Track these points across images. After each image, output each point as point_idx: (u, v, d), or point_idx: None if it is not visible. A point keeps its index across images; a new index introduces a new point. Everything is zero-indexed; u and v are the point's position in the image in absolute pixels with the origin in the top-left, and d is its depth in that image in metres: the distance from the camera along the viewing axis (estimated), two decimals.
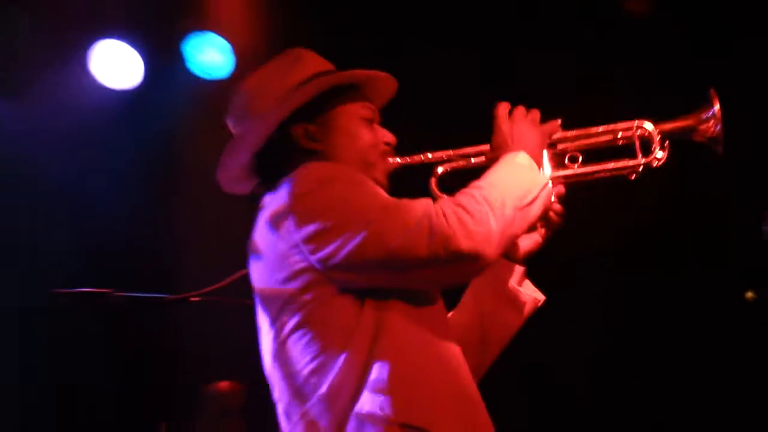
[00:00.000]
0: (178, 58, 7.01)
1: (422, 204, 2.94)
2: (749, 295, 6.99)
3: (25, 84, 6.81)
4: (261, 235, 3.14)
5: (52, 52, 6.78)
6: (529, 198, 3.03)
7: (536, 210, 3.06)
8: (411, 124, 3.61)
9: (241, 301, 4.20)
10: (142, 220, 7.09)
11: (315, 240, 2.90)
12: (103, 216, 6.87)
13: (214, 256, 5.13)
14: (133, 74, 6.88)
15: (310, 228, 2.91)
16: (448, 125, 3.80)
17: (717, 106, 3.23)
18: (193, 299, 4.75)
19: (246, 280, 3.37)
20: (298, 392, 3.00)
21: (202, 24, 7.01)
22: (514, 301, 3.43)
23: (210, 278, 4.50)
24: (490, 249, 2.88)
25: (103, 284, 4.77)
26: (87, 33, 6.76)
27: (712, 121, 3.25)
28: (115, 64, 6.84)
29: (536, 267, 3.51)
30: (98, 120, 6.92)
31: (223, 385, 6.35)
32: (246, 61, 6.96)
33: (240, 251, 3.26)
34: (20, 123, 6.85)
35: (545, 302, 3.53)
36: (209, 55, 7.01)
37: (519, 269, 3.40)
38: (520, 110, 3.29)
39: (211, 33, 6.99)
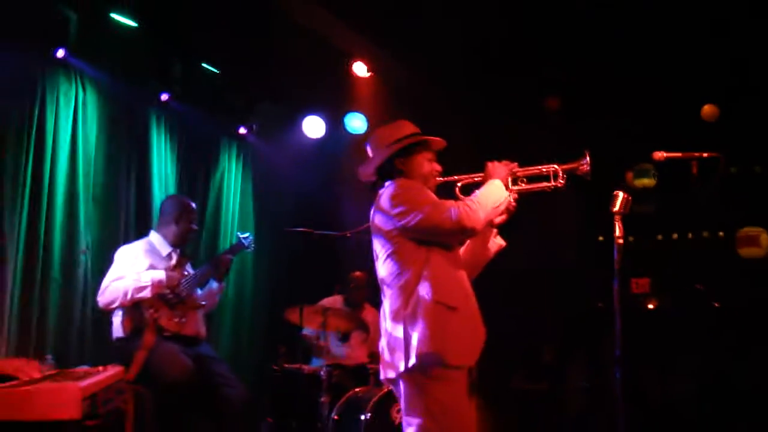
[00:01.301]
0: (341, 123, 7.67)
1: (450, 203, 3.43)
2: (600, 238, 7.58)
3: (276, 135, 7.62)
4: (379, 206, 3.52)
5: (286, 121, 7.62)
6: (500, 202, 3.51)
7: (502, 208, 3.54)
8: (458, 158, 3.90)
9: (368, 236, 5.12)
10: (326, 197, 7.61)
11: (399, 216, 3.40)
12: (309, 195, 7.56)
13: (357, 215, 5.03)
14: (321, 131, 7.57)
15: (398, 210, 3.40)
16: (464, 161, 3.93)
17: (588, 158, 3.57)
18: (348, 234, 5.42)
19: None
20: (391, 283, 3.46)
21: (352, 107, 7.67)
22: (490, 245, 3.77)
23: (355, 225, 5.18)
24: (479, 227, 3.41)
25: (309, 226, 5.77)
26: (301, 112, 7.53)
27: (585, 165, 3.58)
28: (313, 126, 7.54)
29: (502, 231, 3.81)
30: (306, 151, 7.73)
31: (358, 273, 6.84)
32: (372, 125, 7.45)
33: (367, 215, 3.63)
34: (275, 154, 7.66)
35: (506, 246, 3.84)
36: (356, 123, 7.67)
37: (494, 231, 3.75)
38: (502, 162, 3.67)
39: (357, 112, 7.66)
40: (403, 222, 3.41)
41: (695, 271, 7.09)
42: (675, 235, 7.50)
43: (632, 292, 7.12)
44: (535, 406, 7.57)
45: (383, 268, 3.52)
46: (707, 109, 7.07)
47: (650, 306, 7.11)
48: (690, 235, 7.43)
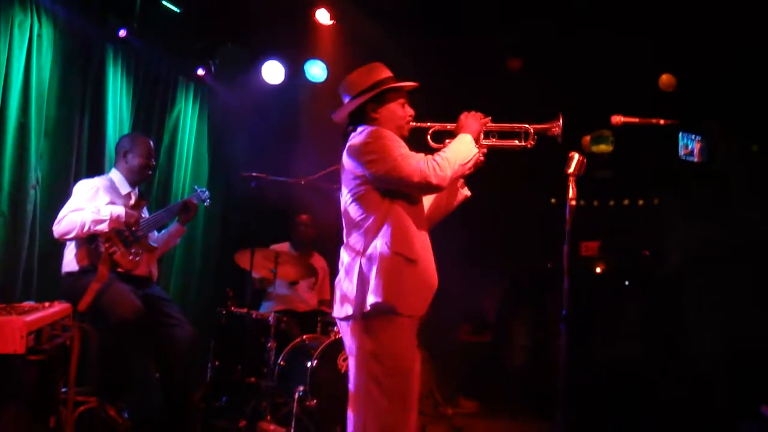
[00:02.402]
0: (301, 70, 7.66)
1: (419, 156, 3.46)
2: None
3: (235, 81, 7.51)
4: (348, 152, 3.54)
5: (246, 65, 7.50)
6: (468, 159, 3.51)
7: (470, 164, 3.53)
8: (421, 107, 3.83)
9: (329, 185, 5.16)
10: (282, 143, 7.35)
11: (368, 164, 3.43)
12: (264, 140, 7.36)
13: (312, 163, 5.41)
14: (280, 77, 7.52)
15: (367, 157, 3.43)
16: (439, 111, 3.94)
17: (561, 121, 3.59)
18: (302, 182, 5.61)
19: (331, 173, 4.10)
20: (354, 226, 3.51)
21: (313, 55, 7.64)
22: (457, 194, 3.83)
23: (309, 172, 5.39)
24: (445, 184, 3.45)
25: (263, 172, 5.81)
26: (261, 57, 7.47)
27: (557, 128, 3.59)
28: (273, 72, 7.50)
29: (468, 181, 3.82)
30: (265, 97, 7.63)
31: (304, 216, 6.95)
32: (333, 75, 7.55)
33: (331, 161, 3.83)
34: (232, 97, 7.63)
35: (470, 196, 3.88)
36: (315, 70, 7.66)
37: (461, 181, 3.79)
38: (474, 112, 3.70)
39: (318, 60, 7.64)
40: (371, 171, 3.45)
41: (644, 237, 7.19)
42: (626, 201, 7.56)
43: (581, 254, 7.22)
44: (480, 359, 7.70)
45: (347, 212, 3.57)
46: (665, 79, 7.07)
47: (598, 270, 7.18)
48: (641, 202, 7.50)
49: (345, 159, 3.58)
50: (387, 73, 3.74)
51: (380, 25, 7.15)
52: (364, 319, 3.40)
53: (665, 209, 7.36)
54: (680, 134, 7.06)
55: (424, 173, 3.39)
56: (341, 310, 3.49)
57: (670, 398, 6.34)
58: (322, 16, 7.33)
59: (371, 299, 3.34)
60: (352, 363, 3.46)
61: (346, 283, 3.48)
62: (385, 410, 3.34)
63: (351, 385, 3.46)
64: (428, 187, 3.48)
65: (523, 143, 3.70)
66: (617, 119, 3.65)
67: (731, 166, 6.72)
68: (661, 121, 3.67)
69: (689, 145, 7.05)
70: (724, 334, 6.18)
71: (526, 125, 3.70)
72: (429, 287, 3.51)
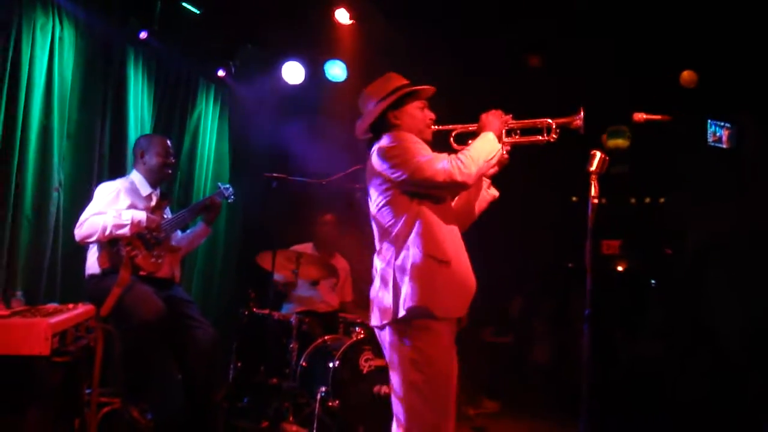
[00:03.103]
0: (321, 70, 7.69)
1: (443, 156, 3.46)
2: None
3: (254, 79, 7.53)
4: (373, 159, 3.56)
5: (266, 65, 7.57)
6: (492, 156, 3.53)
7: (494, 161, 3.56)
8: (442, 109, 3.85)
9: (350, 185, 5.28)
10: (303, 143, 7.18)
11: (392, 168, 3.45)
12: (285, 141, 7.22)
13: (333, 163, 5.40)
14: (300, 76, 7.57)
15: (392, 162, 3.45)
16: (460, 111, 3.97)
17: (582, 113, 3.57)
18: (323, 182, 5.58)
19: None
20: (384, 233, 3.52)
21: (333, 55, 7.65)
22: (484, 195, 3.82)
23: (330, 172, 5.38)
24: (471, 181, 3.46)
25: (284, 172, 5.76)
26: (281, 58, 7.52)
27: (579, 120, 3.57)
28: (293, 72, 7.55)
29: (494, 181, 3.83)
30: (285, 97, 7.72)
31: (328, 215, 6.90)
32: (353, 74, 7.62)
33: (352, 161, 3.97)
34: (252, 98, 7.61)
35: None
36: (335, 70, 7.69)
37: (487, 182, 3.82)
38: (494, 110, 3.71)
39: (338, 60, 7.66)
40: (396, 174, 3.46)
41: (666, 235, 7.11)
42: (648, 199, 7.53)
43: (603, 253, 7.18)
44: (502, 359, 7.67)
45: (377, 219, 3.58)
46: (686, 75, 7.03)
47: (619, 268, 7.14)
48: (662, 200, 7.46)
49: (371, 166, 3.59)
50: (402, 81, 3.77)
51: (399, 24, 7.11)
52: (400, 324, 3.38)
53: (686, 205, 7.26)
54: (708, 122, 7.02)
55: (449, 171, 3.40)
56: (378, 318, 3.49)
57: (695, 396, 6.28)
58: (342, 15, 7.31)
59: (406, 303, 3.33)
60: (391, 373, 3.45)
61: (381, 292, 3.48)
62: (428, 421, 3.33)
63: (393, 396, 3.43)
64: (454, 185, 3.47)
65: (546, 138, 3.69)
66: (640, 116, 3.65)
67: (756, 157, 6.67)
68: (684, 118, 3.62)
69: (717, 133, 7.03)
70: (750, 329, 6.13)
71: (548, 120, 3.69)
72: (465, 289, 3.49)
